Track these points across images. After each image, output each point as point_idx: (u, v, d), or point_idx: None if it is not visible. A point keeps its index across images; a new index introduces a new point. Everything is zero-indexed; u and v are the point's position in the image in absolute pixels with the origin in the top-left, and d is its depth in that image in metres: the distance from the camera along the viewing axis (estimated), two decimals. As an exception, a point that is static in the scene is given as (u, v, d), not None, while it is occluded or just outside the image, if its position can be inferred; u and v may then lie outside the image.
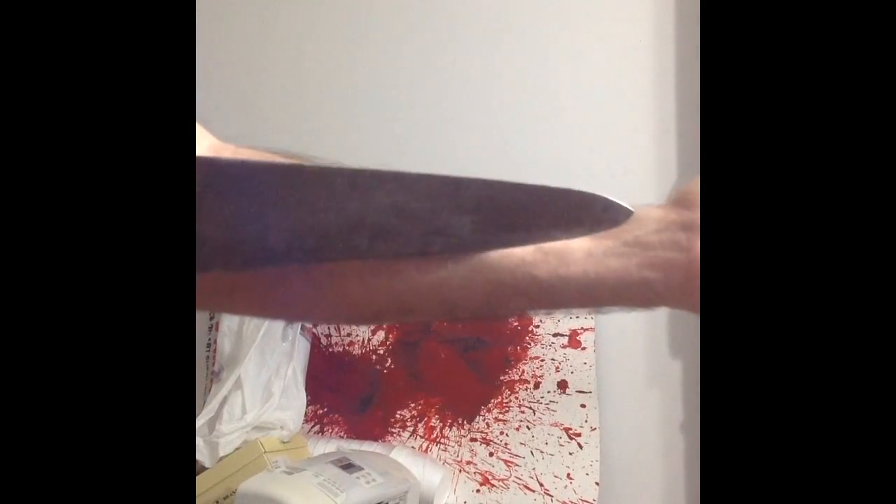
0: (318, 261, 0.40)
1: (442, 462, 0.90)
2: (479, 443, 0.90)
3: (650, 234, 0.40)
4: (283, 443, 0.84)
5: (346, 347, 0.95)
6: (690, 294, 0.38)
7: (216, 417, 0.83)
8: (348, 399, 0.94)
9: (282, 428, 0.84)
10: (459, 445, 0.90)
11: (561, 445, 0.88)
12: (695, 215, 0.39)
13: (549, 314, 0.43)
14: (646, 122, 0.92)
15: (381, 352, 0.94)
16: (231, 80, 1.01)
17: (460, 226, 0.39)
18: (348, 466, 0.75)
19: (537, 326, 0.90)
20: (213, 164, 0.37)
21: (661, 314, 0.91)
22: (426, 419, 0.91)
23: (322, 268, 0.42)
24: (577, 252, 0.40)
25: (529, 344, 0.90)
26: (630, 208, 0.39)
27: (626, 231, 0.40)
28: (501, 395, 0.90)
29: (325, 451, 0.86)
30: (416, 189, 0.38)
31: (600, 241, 0.40)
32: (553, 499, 0.87)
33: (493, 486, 0.89)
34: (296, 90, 1.01)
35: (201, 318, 0.91)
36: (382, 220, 0.38)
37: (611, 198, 0.39)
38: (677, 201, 0.40)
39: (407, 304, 0.42)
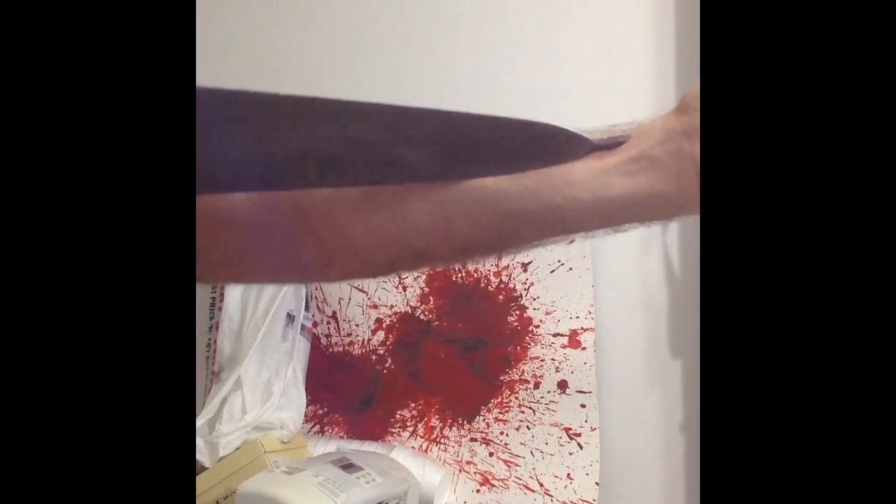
0: (267, 188, 0.39)
1: (442, 462, 0.90)
2: (479, 443, 0.90)
3: (655, 146, 0.39)
4: (283, 443, 0.84)
5: (346, 347, 0.95)
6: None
7: (216, 417, 0.82)
8: (348, 399, 0.94)
9: (282, 428, 0.84)
10: (459, 445, 0.90)
11: (561, 445, 0.88)
12: (694, 120, 0.38)
13: (565, 240, 0.42)
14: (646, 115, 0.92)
15: (381, 352, 0.94)
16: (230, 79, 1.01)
17: (415, 157, 0.38)
18: (348, 466, 0.75)
19: (537, 326, 0.90)
20: None
21: (661, 314, 0.91)
22: (426, 419, 0.91)
23: (329, 226, 0.42)
24: (581, 172, 0.39)
25: (529, 344, 0.90)
26: (591, 139, 0.39)
27: (631, 147, 0.39)
28: (501, 395, 0.90)
29: (325, 451, 0.86)
30: (369, 119, 0.37)
31: (604, 158, 0.39)
32: (553, 499, 0.87)
33: (493, 486, 0.89)
34: (296, 86, 1.01)
35: (201, 318, 0.91)
36: (332, 149, 0.37)
37: (573, 129, 0.39)
38: (677, 108, 0.40)
39: (418, 249, 0.42)
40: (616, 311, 0.91)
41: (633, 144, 0.39)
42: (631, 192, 0.39)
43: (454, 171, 0.39)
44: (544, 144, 0.39)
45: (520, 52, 0.95)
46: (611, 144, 0.39)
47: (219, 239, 0.42)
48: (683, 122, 0.39)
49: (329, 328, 0.95)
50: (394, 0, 0.99)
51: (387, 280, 0.93)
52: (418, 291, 0.93)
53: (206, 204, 0.41)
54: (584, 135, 0.39)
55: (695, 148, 0.38)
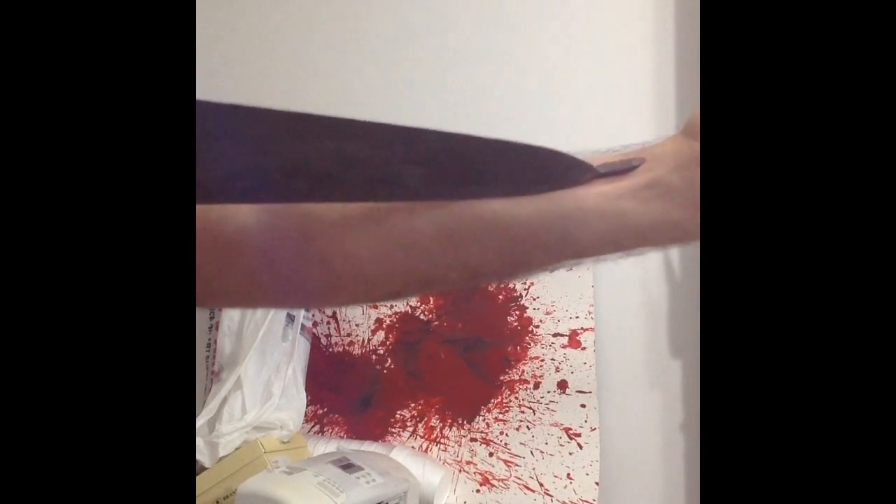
0: (255, 201, 0.39)
1: (442, 462, 0.90)
2: (479, 443, 0.90)
3: (670, 173, 0.38)
4: (283, 443, 0.84)
5: (346, 347, 0.95)
6: None
7: (216, 417, 0.83)
8: (348, 399, 0.94)
9: (282, 428, 0.84)
10: (459, 445, 0.90)
11: (561, 445, 0.88)
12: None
13: (575, 264, 0.41)
14: (646, 123, 0.92)
15: (381, 352, 0.94)
16: (229, 83, 1.01)
17: (412, 177, 0.37)
18: (348, 466, 0.75)
19: (537, 326, 0.90)
20: None
21: (661, 314, 0.91)
22: (426, 419, 0.91)
23: (337, 252, 0.42)
24: (593, 197, 0.39)
25: (529, 344, 0.90)
26: (595, 167, 0.38)
27: (643, 172, 0.39)
28: (501, 395, 0.90)
29: (325, 451, 0.87)
30: (366, 137, 0.36)
31: (616, 183, 0.39)
32: (553, 499, 0.87)
33: (493, 486, 0.89)
34: (294, 91, 1.01)
35: (201, 318, 0.91)
36: (326, 165, 0.36)
37: (576, 156, 0.38)
38: (687, 131, 0.39)
39: (427, 275, 0.41)
40: (616, 311, 0.91)
41: (645, 169, 0.39)
42: (644, 219, 0.38)
43: (451, 193, 0.39)
44: (546, 170, 0.38)
45: (516, 60, 0.95)
46: (625, 168, 0.38)
47: (226, 266, 0.42)
48: (696, 149, 0.38)
49: (329, 328, 0.95)
50: (388, 14, 0.99)
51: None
52: (418, 291, 0.93)
53: (213, 231, 0.41)
54: (588, 161, 0.38)
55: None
